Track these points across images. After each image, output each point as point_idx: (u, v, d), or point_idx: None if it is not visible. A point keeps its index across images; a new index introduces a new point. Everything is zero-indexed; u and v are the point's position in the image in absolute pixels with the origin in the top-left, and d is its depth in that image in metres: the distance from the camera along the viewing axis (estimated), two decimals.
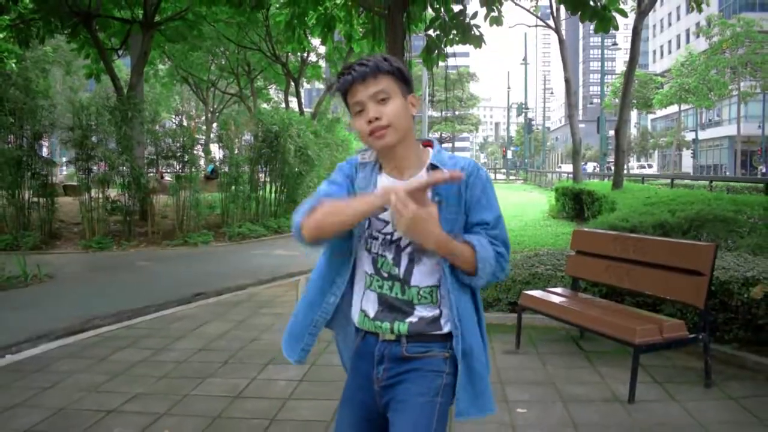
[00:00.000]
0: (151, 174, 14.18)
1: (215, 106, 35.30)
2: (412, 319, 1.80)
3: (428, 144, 1.91)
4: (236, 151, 15.11)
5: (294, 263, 10.30)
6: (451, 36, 9.62)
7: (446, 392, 1.80)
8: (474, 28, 9.48)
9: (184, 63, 26.28)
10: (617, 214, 7.95)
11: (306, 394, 4.23)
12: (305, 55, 21.79)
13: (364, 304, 1.86)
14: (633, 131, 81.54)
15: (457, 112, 62.58)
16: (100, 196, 13.07)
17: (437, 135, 61.31)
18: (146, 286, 8.50)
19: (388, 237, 1.82)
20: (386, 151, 1.81)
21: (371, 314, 1.84)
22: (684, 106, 51.20)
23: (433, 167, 1.82)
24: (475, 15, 9.56)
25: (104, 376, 4.69)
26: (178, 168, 13.95)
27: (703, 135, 59.79)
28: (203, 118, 36.27)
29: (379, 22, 9.75)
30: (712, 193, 10.45)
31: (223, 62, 27.58)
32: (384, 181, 1.84)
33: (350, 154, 14.63)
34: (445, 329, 1.81)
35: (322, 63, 24.87)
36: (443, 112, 57.70)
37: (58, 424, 3.77)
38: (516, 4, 17.66)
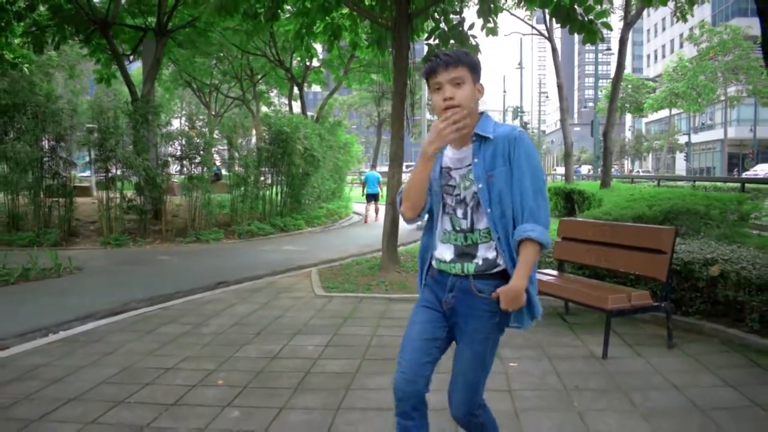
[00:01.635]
0: (167, 174, 14.89)
1: (217, 110, 36.03)
2: (478, 261, 2.37)
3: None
4: (245, 153, 15.86)
5: (304, 257, 11.08)
6: (450, 45, 10.38)
7: (498, 328, 2.42)
8: (471, 38, 10.26)
9: (188, 67, 26.95)
10: (602, 209, 8.74)
11: (332, 355, 5.01)
12: (309, 61, 22.55)
13: (442, 253, 2.44)
14: (628, 134, 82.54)
15: None
16: (117, 195, 13.82)
17: None
18: (171, 276, 9.24)
19: (458, 196, 2.40)
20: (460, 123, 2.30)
21: (447, 259, 2.42)
22: (676, 110, 52.19)
23: (477, 136, 2.37)
24: (472, 26, 10.37)
25: (155, 344, 5.45)
26: (191, 169, 14.68)
27: (696, 138, 60.81)
28: (205, 120, 36.98)
29: (385, 33, 10.53)
30: (689, 191, 11.24)
31: (227, 67, 28.25)
32: (447, 152, 2.45)
33: (351, 156, 15.78)
34: (502, 267, 2.37)
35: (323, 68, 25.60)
36: None
37: (128, 378, 4.52)
38: (511, 14, 18.49)
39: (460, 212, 2.41)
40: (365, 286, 8.00)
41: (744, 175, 39.26)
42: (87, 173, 27.13)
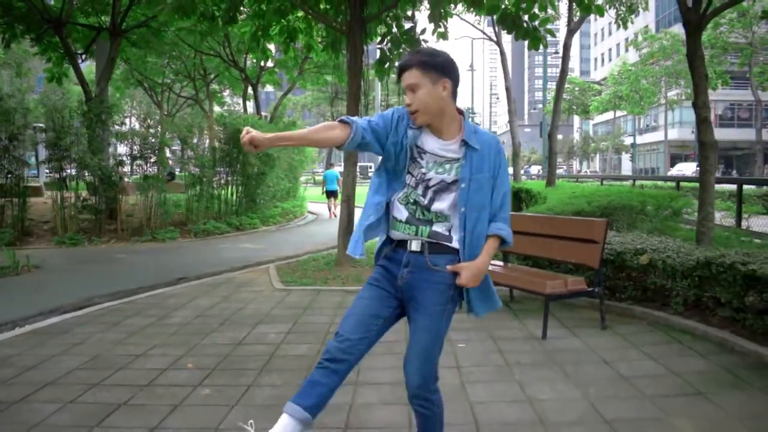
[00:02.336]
0: (121, 174, 14.92)
1: (169, 109, 35.74)
2: (434, 228, 2.56)
3: (461, 112, 2.62)
4: (200, 153, 15.99)
5: (261, 255, 11.34)
6: (402, 49, 10.78)
7: (452, 301, 2.58)
8: (423, 42, 10.69)
9: (140, 67, 26.71)
10: (546, 205, 9.29)
11: (294, 341, 5.35)
12: (264, 62, 22.70)
13: (397, 214, 2.60)
14: (576, 136, 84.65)
15: None
16: (72, 195, 13.81)
17: None
18: (131, 273, 9.40)
19: (422, 176, 2.56)
20: (424, 125, 2.56)
21: (402, 219, 2.58)
22: (620, 113, 53.97)
23: (464, 143, 2.55)
24: (423, 31, 10.76)
25: (123, 334, 5.70)
26: (145, 168, 14.75)
27: (640, 140, 62.99)
28: (158, 120, 36.59)
29: (339, 37, 10.88)
30: (627, 188, 11.93)
31: (180, 66, 28.10)
32: (427, 138, 2.57)
33: (306, 156, 16.07)
34: (454, 245, 2.57)
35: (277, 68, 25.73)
36: None
37: (100, 364, 4.78)
38: (461, 19, 19.05)
39: (420, 189, 2.58)
40: (322, 279, 8.35)
41: (669, 173, 41.09)
42: (34, 173, 26.64)
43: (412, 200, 2.59)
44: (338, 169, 25.33)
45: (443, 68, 2.49)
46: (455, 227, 2.59)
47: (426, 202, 2.57)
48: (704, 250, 5.67)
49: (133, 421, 3.63)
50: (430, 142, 2.58)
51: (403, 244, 2.62)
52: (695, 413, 3.58)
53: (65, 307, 7.00)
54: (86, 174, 13.72)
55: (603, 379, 4.19)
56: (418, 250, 2.58)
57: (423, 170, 2.57)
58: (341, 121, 2.56)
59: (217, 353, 5.00)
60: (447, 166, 2.57)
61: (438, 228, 2.58)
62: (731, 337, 4.82)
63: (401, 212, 2.61)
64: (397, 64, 2.30)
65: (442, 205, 2.57)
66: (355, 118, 2.56)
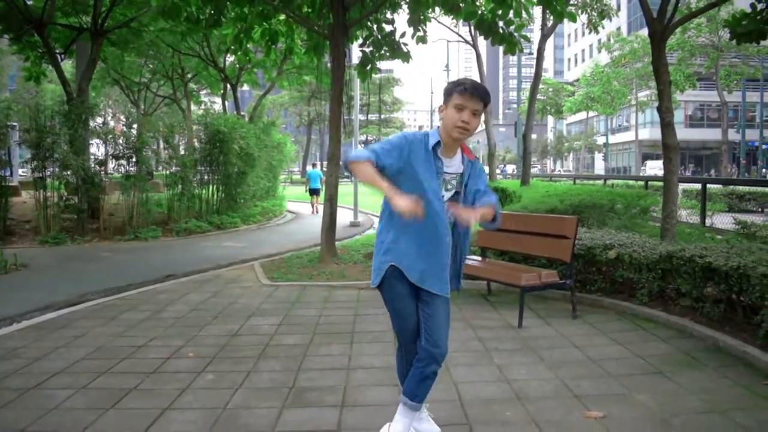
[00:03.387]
0: (102, 174, 15.05)
1: (146, 109, 35.67)
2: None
3: None
4: (182, 153, 16.19)
5: (245, 253, 11.63)
6: (382, 52, 11.12)
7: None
8: (403, 45, 11.05)
9: (117, 65, 26.65)
10: (520, 203, 9.72)
11: (287, 332, 5.69)
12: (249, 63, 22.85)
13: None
14: (550, 135, 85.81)
15: (382, 116, 64.55)
16: (54, 194, 13.94)
17: (364, 138, 62.85)
18: (120, 271, 9.63)
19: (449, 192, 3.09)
20: (452, 141, 2.98)
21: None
22: (593, 113, 54.98)
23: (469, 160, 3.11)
24: (403, 35, 11.10)
25: (121, 328, 5.98)
26: (127, 168, 14.92)
27: (612, 139, 64.17)
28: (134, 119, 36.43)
29: (321, 41, 11.19)
30: (598, 187, 12.43)
31: (158, 65, 28.09)
32: (440, 163, 3.01)
33: (285, 156, 16.40)
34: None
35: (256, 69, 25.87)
36: (368, 116, 59.49)
37: (104, 354, 5.07)
38: (439, 22, 19.47)
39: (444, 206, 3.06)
40: (308, 275, 8.67)
41: (641, 172, 41.97)
42: (8, 173, 26.43)
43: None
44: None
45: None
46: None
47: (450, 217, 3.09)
48: (667, 244, 6.11)
49: (147, 403, 3.94)
50: (447, 163, 3.07)
51: None
52: (656, 390, 3.99)
53: (59, 303, 7.25)
54: (68, 174, 13.82)
55: (573, 362, 4.60)
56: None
57: (448, 188, 3.12)
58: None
59: (215, 343, 5.31)
60: (454, 181, 3.09)
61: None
62: (690, 324, 5.26)
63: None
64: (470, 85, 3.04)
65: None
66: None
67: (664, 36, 7.13)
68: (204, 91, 35.57)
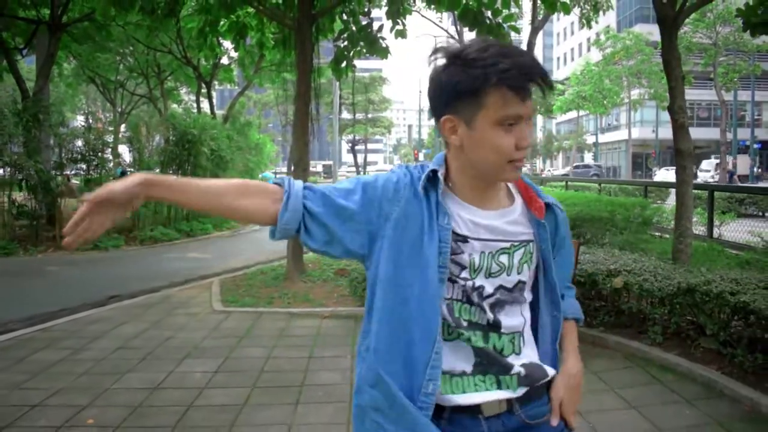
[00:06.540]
0: (59, 177, 13.97)
1: (123, 107, 34.47)
2: (518, 370, 1.45)
3: None
4: (147, 155, 15.10)
5: (208, 266, 10.57)
6: (359, 47, 10.10)
7: None
8: (381, 40, 10.03)
9: (90, 63, 25.58)
10: None
11: (221, 383, 4.63)
12: (218, 58, 21.81)
13: (452, 363, 1.42)
14: (539, 134, 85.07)
15: (369, 115, 63.28)
16: (6, 200, 12.81)
17: (350, 137, 61.81)
18: (59, 291, 8.54)
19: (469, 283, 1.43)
20: (487, 184, 1.47)
21: (468, 370, 1.43)
22: (583, 112, 54.15)
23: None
24: (381, 28, 10.09)
25: (24, 375, 4.90)
26: (87, 171, 13.84)
27: (603, 138, 63.42)
28: (110, 118, 35.29)
29: (289, 33, 10.14)
30: (594, 195, 11.44)
31: (132, 63, 26.98)
32: (461, 210, 1.43)
33: (264, 157, 15.01)
34: (551, 373, 1.52)
35: (234, 66, 24.83)
36: (355, 115, 58.34)
37: None
38: (422, 16, 18.46)
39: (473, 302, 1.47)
40: (267, 298, 7.61)
41: (654, 178, 41.10)
42: None
43: (464, 322, 1.43)
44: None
45: None
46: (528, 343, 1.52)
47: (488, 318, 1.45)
48: (684, 272, 5.10)
49: None
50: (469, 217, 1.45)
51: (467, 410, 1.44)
52: None
53: None
54: (19, 177, 12.72)
55: None
56: (503, 410, 1.45)
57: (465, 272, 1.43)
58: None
59: (128, 402, 4.24)
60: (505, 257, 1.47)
61: (521, 359, 1.48)
62: (720, 378, 4.23)
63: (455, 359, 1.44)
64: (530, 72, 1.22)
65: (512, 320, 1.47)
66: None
67: (677, 23, 6.09)
68: (184, 89, 34.45)
